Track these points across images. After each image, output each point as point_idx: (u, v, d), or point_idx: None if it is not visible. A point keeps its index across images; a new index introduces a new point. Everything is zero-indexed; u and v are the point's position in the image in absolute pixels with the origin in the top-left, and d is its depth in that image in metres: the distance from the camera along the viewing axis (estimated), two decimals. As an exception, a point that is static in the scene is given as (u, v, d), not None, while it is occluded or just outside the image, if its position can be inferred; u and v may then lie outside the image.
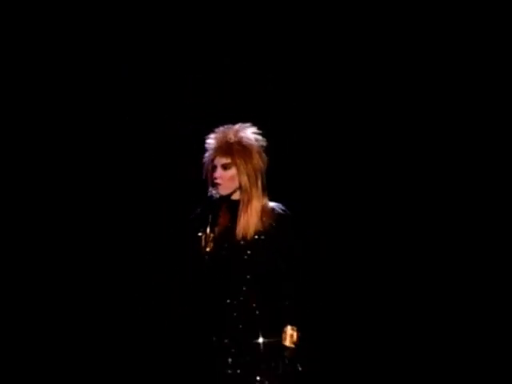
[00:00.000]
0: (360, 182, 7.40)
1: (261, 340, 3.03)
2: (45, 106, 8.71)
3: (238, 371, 3.00)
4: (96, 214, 6.64)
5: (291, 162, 6.92)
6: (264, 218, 2.98)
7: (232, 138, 3.07)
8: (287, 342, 3.01)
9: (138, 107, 8.85)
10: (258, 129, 3.36)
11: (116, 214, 6.32)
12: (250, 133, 3.10)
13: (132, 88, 8.77)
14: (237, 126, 3.12)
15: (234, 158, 3.02)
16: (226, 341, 3.04)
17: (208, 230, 2.83)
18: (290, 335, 3.02)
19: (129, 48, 8.65)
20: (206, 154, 3.16)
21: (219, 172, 3.06)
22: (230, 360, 3.02)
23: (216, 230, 2.88)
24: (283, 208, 3.04)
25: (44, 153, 8.45)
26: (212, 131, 3.24)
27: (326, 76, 8.70)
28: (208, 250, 2.82)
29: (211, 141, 3.17)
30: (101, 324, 6.27)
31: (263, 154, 3.09)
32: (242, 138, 3.07)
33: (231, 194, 3.03)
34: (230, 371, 3.01)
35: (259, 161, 3.08)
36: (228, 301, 3.00)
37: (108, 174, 8.68)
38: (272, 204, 3.06)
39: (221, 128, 3.17)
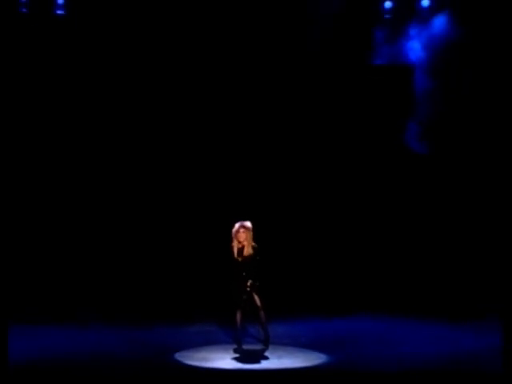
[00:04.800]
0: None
1: (249, 282, 9.39)
2: (46, 107, 8.79)
3: (245, 297, 9.42)
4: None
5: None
6: (252, 248, 9.43)
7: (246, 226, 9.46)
8: (248, 283, 9.41)
9: (138, 107, 8.92)
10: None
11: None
12: (248, 223, 9.39)
13: (132, 88, 8.84)
14: (239, 224, 9.41)
15: (246, 233, 9.45)
16: (243, 282, 9.44)
17: (240, 253, 9.46)
18: (250, 282, 9.49)
19: (129, 48, 8.73)
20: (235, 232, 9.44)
21: (243, 237, 9.49)
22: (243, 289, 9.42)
23: (242, 253, 9.50)
24: (256, 244, 9.43)
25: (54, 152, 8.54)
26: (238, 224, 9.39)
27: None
28: (240, 259, 9.39)
29: (239, 227, 9.42)
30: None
31: (251, 228, 9.36)
32: (247, 225, 9.43)
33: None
34: (244, 296, 9.41)
35: (251, 232, 9.37)
36: (244, 274, 9.41)
37: (108, 174, 8.73)
38: (253, 244, 9.44)
39: (239, 223, 9.35)
